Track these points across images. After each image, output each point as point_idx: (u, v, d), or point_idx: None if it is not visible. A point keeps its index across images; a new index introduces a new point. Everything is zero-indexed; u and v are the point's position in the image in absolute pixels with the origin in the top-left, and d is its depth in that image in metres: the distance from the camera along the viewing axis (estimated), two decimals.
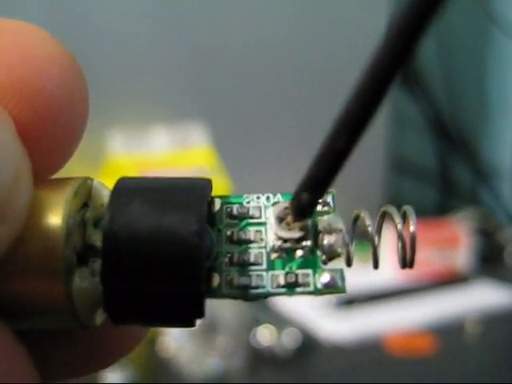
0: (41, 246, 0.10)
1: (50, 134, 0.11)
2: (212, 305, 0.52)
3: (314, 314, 0.59)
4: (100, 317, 0.11)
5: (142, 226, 0.11)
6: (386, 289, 0.64)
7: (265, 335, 0.52)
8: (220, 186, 0.60)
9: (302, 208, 0.11)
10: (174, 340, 0.52)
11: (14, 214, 0.10)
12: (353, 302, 0.61)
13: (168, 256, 0.10)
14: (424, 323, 0.57)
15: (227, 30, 0.70)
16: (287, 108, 0.75)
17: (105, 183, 0.12)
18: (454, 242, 0.70)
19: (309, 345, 0.53)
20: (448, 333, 0.56)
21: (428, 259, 0.69)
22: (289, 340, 0.52)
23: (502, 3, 0.83)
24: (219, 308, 0.52)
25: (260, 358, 0.51)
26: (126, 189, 0.11)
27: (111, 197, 0.11)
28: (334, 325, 0.57)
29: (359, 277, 0.68)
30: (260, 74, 0.73)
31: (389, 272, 0.68)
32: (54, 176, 0.12)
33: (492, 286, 0.66)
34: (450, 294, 0.64)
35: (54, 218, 0.11)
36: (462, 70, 0.89)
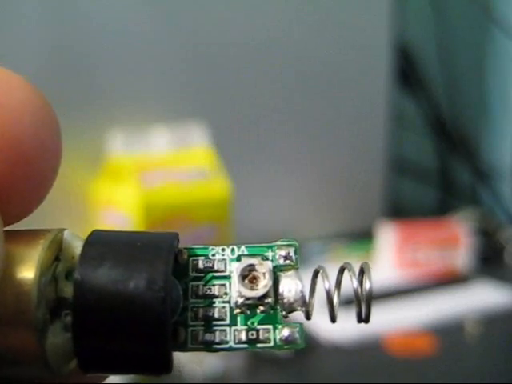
0: (14, 303, 0.11)
1: (22, 184, 0.11)
2: None
3: (313, 314, 0.59)
4: (72, 364, 0.12)
5: (110, 286, 0.11)
6: (385, 289, 0.64)
7: None
8: (220, 186, 0.60)
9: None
10: None
11: None
12: (353, 301, 0.61)
13: (135, 316, 0.11)
14: (424, 323, 0.57)
15: (227, 30, 0.70)
16: (287, 108, 0.75)
17: (75, 233, 0.12)
18: (454, 241, 0.70)
19: (309, 345, 0.53)
20: (448, 333, 0.56)
21: (428, 259, 0.69)
22: None
23: (502, 3, 0.83)
24: None
25: (260, 358, 0.51)
26: (97, 244, 0.12)
27: (82, 253, 0.11)
28: (334, 325, 0.57)
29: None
30: (260, 74, 0.73)
31: (389, 272, 0.69)
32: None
33: (492, 286, 0.66)
34: (450, 294, 0.64)
35: (27, 277, 0.11)
36: (462, 69, 0.89)
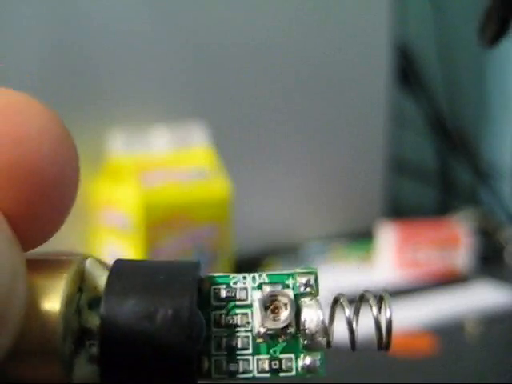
0: (40, 336, 0.11)
1: (41, 212, 0.11)
2: None
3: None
4: None
5: (136, 321, 0.11)
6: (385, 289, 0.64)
7: None
8: (220, 186, 0.60)
9: (495, 32, 0.12)
10: None
11: (10, 323, 0.10)
12: (353, 301, 0.61)
13: (161, 351, 0.11)
14: (424, 323, 0.57)
15: (228, 30, 0.70)
16: (287, 108, 0.75)
17: (97, 260, 0.12)
18: (454, 241, 0.70)
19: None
20: (448, 333, 0.56)
21: (428, 259, 0.69)
22: None
23: None
24: None
25: None
26: (121, 277, 0.12)
27: (106, 287, 0.12)
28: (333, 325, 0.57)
29: (359, 277, 0.68)
30: (261, 74, 0.73)
31: (389, 272, 0.69)
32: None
33: (492, 286, 0.66)
34: (450, 294, 0.64)
35: (52, 310, 0.11)
36: (462, 69, 0.89)
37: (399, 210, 0.85)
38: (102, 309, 0.11)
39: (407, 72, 0.89)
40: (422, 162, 0.92)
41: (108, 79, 0.64)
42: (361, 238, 0.74)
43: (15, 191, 0.11)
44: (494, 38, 0.12)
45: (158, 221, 0.56)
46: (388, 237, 0.69)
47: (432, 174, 0.92)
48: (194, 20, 0.68)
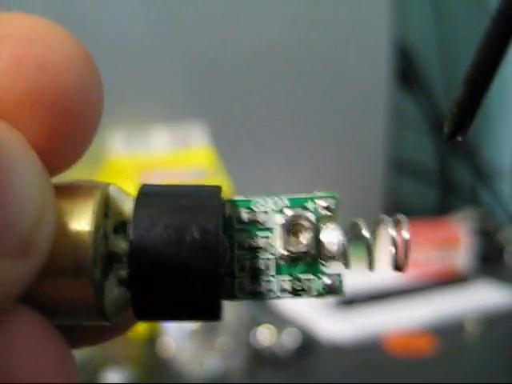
0: (71, 258, 0.11)
1: (67, 137, 0.11)
2: None
3: (314, 314, 0.59)
4: (124, 313, 0.13)
5: (164, 245, 0.12)
6: (385, 289, 0.64)
7: (265, 335, 0.52)
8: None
9: (456, 127, 0.13)
10: (174, 340, 0.52)
11: (40, 247, 0.10)
12: (353, 301, 0.61)
13: (189, 271, 0.12)
14: (424, 323, 0.57)
15: (227, 30, 0.70)
16: (287, 108, 0.75)
17: (121, 187, 0.13)
18: (454, 241, 0.70)
19: (309, 345, 0.53)
20: (448, 333, 0.56)
21: (428, 259, 0.69)
22: (289, 340, 0.52)
23: None
24: None
25: (260, 358, 0.51)
26: (147, 202, 0.12)
27: (134, 212, 0.12)
28: (333, 325, 0.57)
29: (359, 277, 0.68)
30: (260, 74, 0.73)
31: (389, 272, 0.69)
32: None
33: (492, 286, 0.66)
34: (450, 294, 0.64)
35: (83, 232, 0.11)
36: (462, 69, 0.89)
37: (399, 210, 0.85)
38: (131, 235, 0.11)
39: (407, 72, 0.89)
40: (422, 162, 0.92)
41: (108, 79, 0.64)
42: (361, 238, 0.74)
43: (41, 118, 0.11)
44: (454, 131, 0.12)
45: None
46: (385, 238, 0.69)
47: (432, 174, 0.92)
48: (194, 20, 0.68)
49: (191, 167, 0.61)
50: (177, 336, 0.51)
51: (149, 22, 0.66)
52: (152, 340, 0.54)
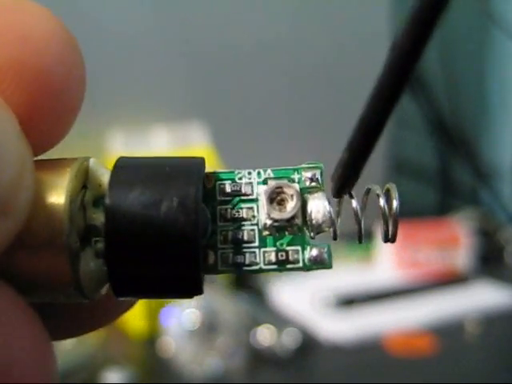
0: (46, 229, 0.11)
1: (49, 113, 0.11)
2: (213, 305, 0.52)
3: (314, 314, 0.59)
4: (104, 289, 0.12)
5: (141, 210, 0.11)
6: (385, 289, 0.64)
7: (265, 335, 0.52)
8: None
9: (341, 186, 0.12)
10: (174, 340, 0.52)
11: (17, 209, 0.10)
12: (353, 301, 0.61)
13: (167, 239, 0.11)
14: (424, 323, 0.57)
15: (227, 30, 0.70)
16: (287, 108, 0.75)
17: (100, 161, 0.12)
18: (454, 241, 0.70)
19: (309, 345, 0.53)
20: (448, 333, 0.56)
21: (428, 259, 0.69)
22: (289, 340, 0.52)
23: (501, 3, 0.83)
24: (219, 308, 0.52)
25: (260, 358, 0.51)
26: (125, 170, 0.12)
27: (111, 179, 0.12)
28: (333, 325, 0.57)
29: (359, 277, 0.68)
30: (260, 74, 0.73)
31: (389, 272, 0.69)
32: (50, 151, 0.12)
33: (492, 286, 0.66)
34: (450, 294, 0.64)
35: (58, 203, 0.11)
36: (462, 70, 0.89)
37: (399, 210, 0.85)
38: (107, 198, 0.11)
39: None
40: (422, 162, 0.92)
41: (108, 79, 0.64)
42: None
43: (22, 89, 0.11)
44: (340, 190, 0.12)
45: None
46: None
47: (432, 174, 0.92)
48: (194, 21, 0.68)
49: None
50: (177, 336, 0.51)
51: (149, 22, 0.66)
52: (152, 340, 0.54)
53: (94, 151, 0.62)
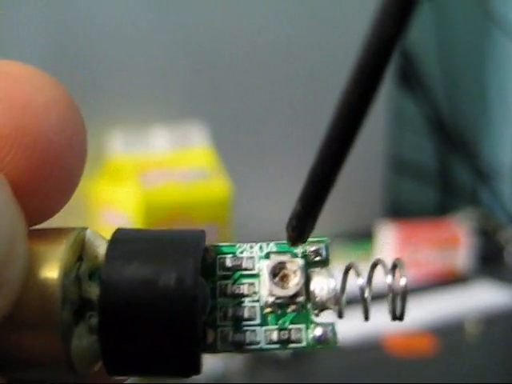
0: (38, 304, 0.10)
1: (49, 181, 0.11)
2: None
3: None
4: (97, 366, 0.12)
5: (137, 286, 0.11)
6: (385, 289, 0.64)
7: None
8: (220, 186, 0.60)
9: (296, 237, 0.12)
10: None
11: (9, 283, 0.10)
12: (353, 302, 0.61)
13: (163, 317, 0.11)
14: (424, 323, 0.57)
15: (227, 31, 0.70)
16: (287, 108, 0.75)
17: (97, 232, 0.12)
18: (454, 241, 0.70)
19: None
20: (448, 333, 0.56)
21: (428, 259, 0.69)
22: None
23: (501, 3, 0.83)
24: None
25: (260, 358, 0.51)
26: (123, 243, 0.11)
27: (107, 252, 0.11)
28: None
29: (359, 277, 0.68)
30: (260, 74, 0.73)
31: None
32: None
33: (492, 286, 0.66)
34: (450, 294, 0.64)
35: (51, 277, 0.11)
36: (462, 69, 0.89)
37: (399, 210, 0.85)
38: (103, 273, 0.11)
39: (407, 72, 0.89)
40: (422, 162, 0.92)
41: (108, 79, 0.64)
42: (361, 238, 0.74)
43: (20, 157, 0.11)
44: (296, 240, 0.12)
45: (158, 221, 0.56)
46: (388, 237, 0.69)
47: (432, 174, 0.92)
48: (194, 20, 0.68)
49: (191, 167, 0.61)
50: None
51: (149, 22, 0.66)
52: None
53: (94, 151, 0.62)
